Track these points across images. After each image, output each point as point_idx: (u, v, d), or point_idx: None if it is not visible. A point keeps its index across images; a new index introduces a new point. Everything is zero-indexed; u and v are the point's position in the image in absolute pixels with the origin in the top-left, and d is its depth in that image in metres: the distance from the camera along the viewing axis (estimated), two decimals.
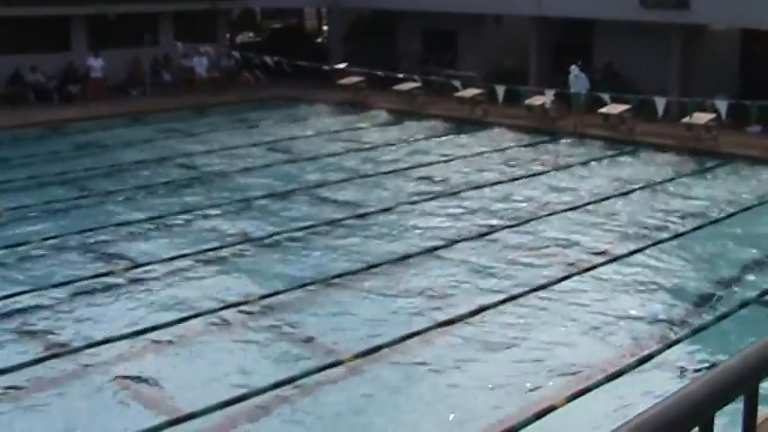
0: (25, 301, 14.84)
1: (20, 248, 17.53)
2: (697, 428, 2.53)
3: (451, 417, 11.22)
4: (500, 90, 30.25)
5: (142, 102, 34.63)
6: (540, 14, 33.30)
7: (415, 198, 21.46)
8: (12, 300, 14.83)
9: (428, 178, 23.53)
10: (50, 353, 12.85)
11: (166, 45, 38.12)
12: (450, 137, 29.48)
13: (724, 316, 14.02)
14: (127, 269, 16.49)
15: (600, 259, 17.06)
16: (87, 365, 12.52)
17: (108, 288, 15.60)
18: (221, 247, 17.79)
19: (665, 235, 18.63)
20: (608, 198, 21.52)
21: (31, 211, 20.30)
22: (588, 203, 20.99)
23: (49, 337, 13.53)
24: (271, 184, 22.87)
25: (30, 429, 11.03)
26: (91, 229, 18.82)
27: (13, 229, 19.03)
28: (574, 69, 29.88)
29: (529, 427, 10.49)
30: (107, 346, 13.01)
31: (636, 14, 30.26)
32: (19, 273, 16.36)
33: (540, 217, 19.89)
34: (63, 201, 21.25)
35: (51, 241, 18.04)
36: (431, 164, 25.28)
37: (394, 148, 27.64)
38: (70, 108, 33.00)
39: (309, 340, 13.47)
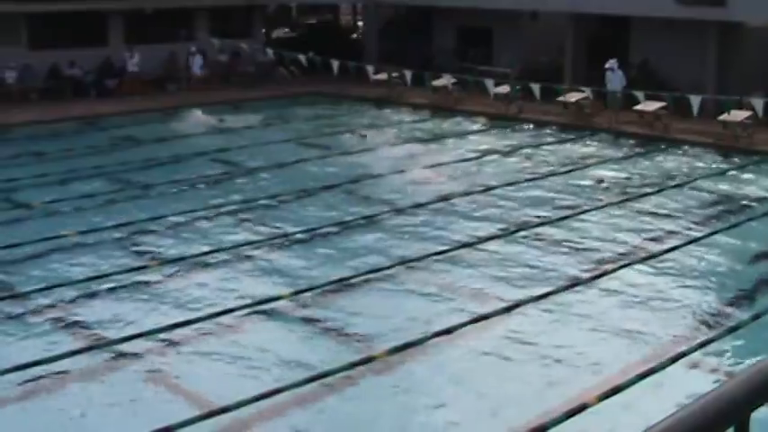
0: (61, 293, 14.97)
1: (55, 241, 17.67)
2: (732, 428, 2.52)
3: (483, 414, 11.22)
4: (536, 87, 30.20)
5: (177, 97, 34.80)
6: (576, 11, 33.15)
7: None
8: (47, 292, 14.97)
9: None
10: (85, 345, 12.97)
11: (202, 40, 38.27)
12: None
13: (761, 314, 13.92)
14: (161, 263, 16.60)
15: (641, 254, 17.03)
16: (122, 358, 12.63)
17: (142, 282, 15.70)
18: (256, 242, 17.86)
19: (701, 232, 18.52)
20: (647, 195, 21.45)
21: (67, 205, 20.46)
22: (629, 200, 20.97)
23: (84, 329, 13.64)
24: (307, 180, 22.89)
25: (64, 421, 11.12)
26: (126, 223, 18.95)
27: (48, 222, 19.20)
28: (610, 66, 29.68)
29: (560, 425, 10.47)
30: (141, 339, 13.11)
31: (672, 11, 30.04)
32: (54, 266, 16.49)
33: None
34: (98, 194, 21.40)
35: (86, 235, 18.19)
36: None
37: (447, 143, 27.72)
38: (107, 102, 33.23)
39: (342, 335, 13.50)
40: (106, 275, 15.78)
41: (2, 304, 14.54)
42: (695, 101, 27.17)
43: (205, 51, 36.98)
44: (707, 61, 30.53)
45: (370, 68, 35.17)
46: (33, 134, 28.16)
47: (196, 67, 35.93)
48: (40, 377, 11.99)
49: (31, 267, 16.39)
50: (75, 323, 13.86)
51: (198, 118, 30.89)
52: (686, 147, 26.76)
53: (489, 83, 32.03)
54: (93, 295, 15.01)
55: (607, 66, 29.66)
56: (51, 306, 14.48)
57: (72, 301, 14.74)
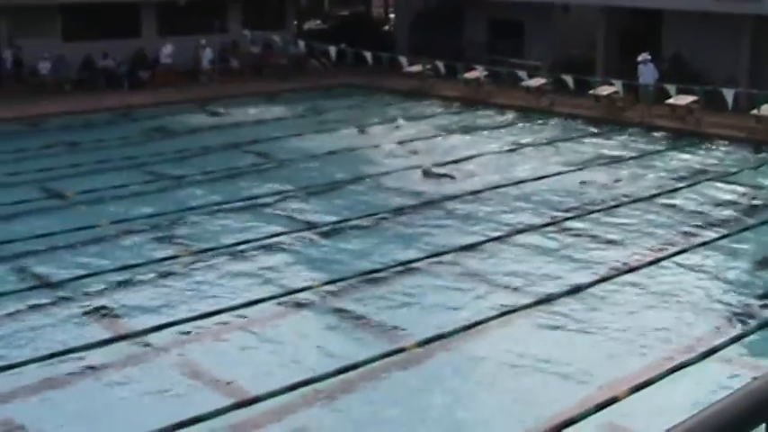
0: (93, 283, 15.11)
1: (88, 231, 17.82)
2: (764, 425, 2.53)
3: (513, 406, 11.24)
4: (568, 80, 30.14)
5: (210, 88, 34.96)
6: (609, 4, 33.00)
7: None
8: (80, 282, 15.11)
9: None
10: (118, 334, 13.08)
11: (235, 32, 38.42)
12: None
13: None
14: (193, 253, 16.71)
15: (671, 249, 17.00)
16: (154, 347, 12.72)
17: (174, 272, 15.82)
18: (287, 233, 17.94)
19: (733, 227, 18.44)
20: (679, 189, 21.37)
21: (100, 194, 20.62)
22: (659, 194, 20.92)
23: (117, 318, 13.76)
24: (338, 172, 22.93)
25: (98, 409, 11.23)
26: (158, 214, 19.10)
27: (82, 212, 19.37)
28: (643, 59, 29.52)
29: (590, 417, 10.49)
30: (173, 328, 13.22)
31: (706, 5, 29.85)
32: (87, 255, 16.63)
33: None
34: (131, 184, 21.55)
35: (119, 224, 18.34)
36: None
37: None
38: (139, 93, 33.43)
39: (373, 327, 13.55)
40: (138, 265, 15.92)
41: (34, 293, 14.68)
42: (728, 94, 27.01)
43: (238, 42, 37.08)
44: (740, 55, 30.32)
45: (403, 60, 35.16)
46: (67, 125, 28.35)
47: (206, 60, 35.79)
48: (72, 365, 12.11)
49: (64, 257, 16.54)
50: (108, 312, 13.98)
51: (234, 110, 31.10)
52: (718, 141, 26.59)
53: (522, 75, 31.96)
54: (125, 285, 15.13)
55: (640, 59, 29.49)
56: (83, 295, 14.61)
57: (104, 290, 14.86)
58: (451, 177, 22.04)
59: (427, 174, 22.15)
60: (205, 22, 37.99)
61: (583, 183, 21.52)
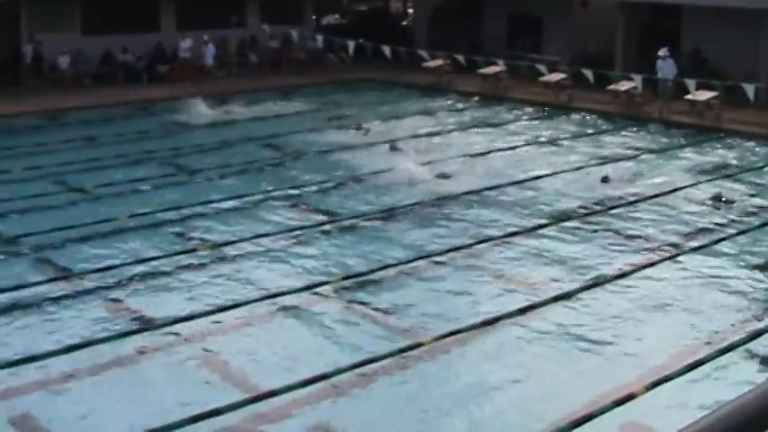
0: (111, 276, 15.18)
1: (107, 224, 17.90)
2: None
3: (531, 402, 11.23)
4: (588, 74, 30.09)
5: (229, 83, 35.03)
6: None
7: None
8: (98, 275, 15.18)
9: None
10: (136, 327, 13.14)
11: (253, 27, 38.50)
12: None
13: None
14: (211, 247, 16.76)
15: (691, 244, 16.97)
16: (171, 341, 12.76)
17: (192, 265, 15.87)
18: (305, 227, 17.98)
19: (754, 223, 18.38)
20: (699, 183, 21.32)
21: (119, 188, 20.71)
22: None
23: (135, 311, 13.81)
24: (355, 167, 22.94)
25: (116, 401, 11.28)
26: (176, 207, 19.16)
27: (100, 206, 19.45)
28: (662, 54, 29.38)
29: (609, 414, 10.48)
30: (190, 322, 13.26)
31: (724, 0, 29.76)
32: (106, 248, 16.69)
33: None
34: (149, 179, 21.63)
35: (138, 218, 18.41)
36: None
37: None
38: (158, 88, 33.53)
39: (390, 321, 13.56)
40: (157, 258, 15.99)
41: (54, 286, 14.76)
42: (749, 90, 26.89)
43: (257, 37, 37.09)
44: (761, 50, 30.17)
45: (424, 54, 35.14)
46: (86, 119, 28.46)
47: (209, 56, 35.59)
48: (91, 358, 12.17)
49: (84, 250, 16.62)
50: (126, 305, 14.04)
51: (250, 104, 31.18)
52: (738, 137, 26.49)
53: (543, 69, 31.91)
54: (143, 278, 15.18)
55: (659, 54, 29.39)
56: (103, 288, 14.68)
57: (123, 283, 14.93)
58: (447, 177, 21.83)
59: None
60: (224, 16, 38.06)
61: (605, 179, 21.35)
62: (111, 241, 17.16)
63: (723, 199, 19.80)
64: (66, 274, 15.28)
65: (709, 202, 19.71)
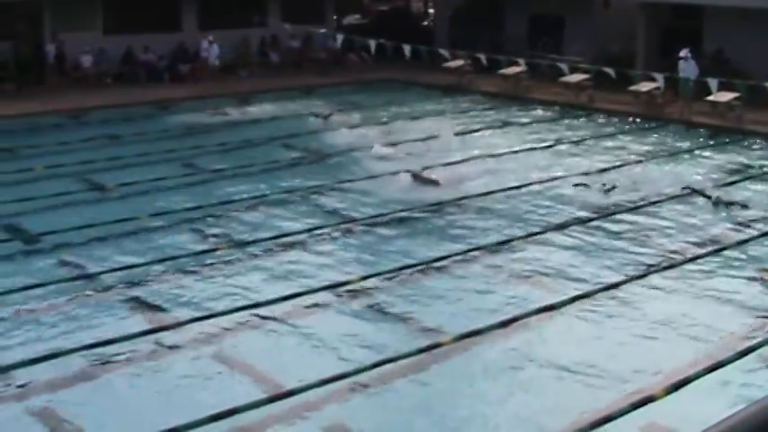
0: (133, 274, 15.27)
1: (128, 223, 17.99)
2: None
3: (551, 404, 11.22)
4: (610, 71, 30.02)
5: (250, 82, 35.12)
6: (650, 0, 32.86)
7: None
8: (120, 273, 15.27)
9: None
10: (156, 325, 13.21)
11: (275, 26, 38.58)
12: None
13: None
14: (231, 246, 16.83)
15: (710, 246, 16.94)
16: (192, 339, 12.83)
17: (212, 264, 15.94)
18: (326, 226, 18.03)
19: None
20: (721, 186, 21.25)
21: (140, 187, 20.81)
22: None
23: (155, 309, 13.89)
24: (376, 166, 22.94)
25: (135, 399, 11.36)
26: (196, 207, 19.23)
27: (122, 204, 19.55)
28: (684, 55, 29.25)
29: (629, 416, 10.47)
30: (211, 320, 13.32)
31: (747, 0, 29.61)
32: (127, 247, 16.80)
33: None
34: (170, 178, 21.72)
35: (158, 217, 18.50)
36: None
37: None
38: (179, 87, 33.65)
39: (411, 321, 13.58)
40: (176, 257, 16.06)
41: (75, 284, 14.85)
42: None
43: (278, 36, 37.13)
44: None
45: (444, 53, 35.13)
46: (108, 118, 28.58)
47: (213, 56, 35.42)
48: (111, 356, 12.24)
49: (105, 248, 16.70)
50: (146, 303, 14.12)
51: (271, 104, 31.26)
52: (759, 138, 26.36)
53: (564, 68, 31.85)
54: (163, 276, 15.27)
55: (681, 54, 29.28)
56: (123, 286, 14.77)
57: (143, 281, 15.01)
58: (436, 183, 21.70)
59: (417, 178, 21.80)
60: (245, 16, 38.17)
61: (607, 189, 21.07)
62: (132, 239, 17.27)
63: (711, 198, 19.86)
64: (86, 272, 15.37)
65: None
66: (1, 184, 21.00)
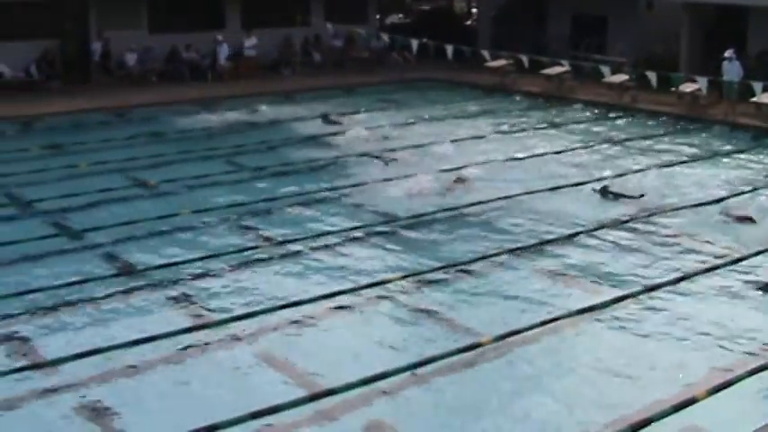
0: (175, 271, 15.39)
1: (170, 220, 18.15)
2: None
3: (589, 405, 11.18)
4: (652, 76, 29.87)
5: (292, 81, 35.26)
6: (694, 0, 32.57)
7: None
8: (162, 270, 15.39)
9: None
10: (198, 323, 13.30)
11: (317, 26, 38.71)
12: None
13: None
14: (274, 244, 16.91)
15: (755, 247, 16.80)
16: (233, 337, 12.89)
17: (254, 262, 16.02)
18: (365, 226, 18.06)
19: None
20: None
21: (183, 184, 20.98)
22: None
23: (198, 307, 13.98)
24: (414, 167, 22.89)
25: (178, 395, 11.44)
26: (239, 204, 19.34)
27: (164, 201, 19.73)
28: (729, 56, 29.01)
29: (669, 418, 10.43)
30: (252, 319, 13.38)
31: None
32: (169, 244, 16.93)
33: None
34: (213, 174, 21.86)
35: (201, 214, 18.62)
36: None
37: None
38: (222, 85, 33.84)
39: (450, 321, 13.58)
40: (219, 255, 16.15)
41: (119, 280, 14.99)
42: None
43: (320, 35, 37.20)
44: None
45: (486, 54, 35.08)
46: (151, 115, 28.83)
47: (222, 57, 35.42)
48: (154, 352, 12.35)
49: (148, 245, 16.85)
50: (189, 300, 14.22)
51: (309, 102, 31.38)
52: None
53: (606, 70, 31.72)
54: (206, 273, 15.37)
55: (726, 55, 29.05)
56: (166, 283, 14.88)
57: (186, 278, 15.12)
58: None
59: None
60: (288, 14, 38.34)
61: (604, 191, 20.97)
62: (174, 236, 17.40)
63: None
64: (129, 269, 15.52)
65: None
66: (48, 180, 21.25)
